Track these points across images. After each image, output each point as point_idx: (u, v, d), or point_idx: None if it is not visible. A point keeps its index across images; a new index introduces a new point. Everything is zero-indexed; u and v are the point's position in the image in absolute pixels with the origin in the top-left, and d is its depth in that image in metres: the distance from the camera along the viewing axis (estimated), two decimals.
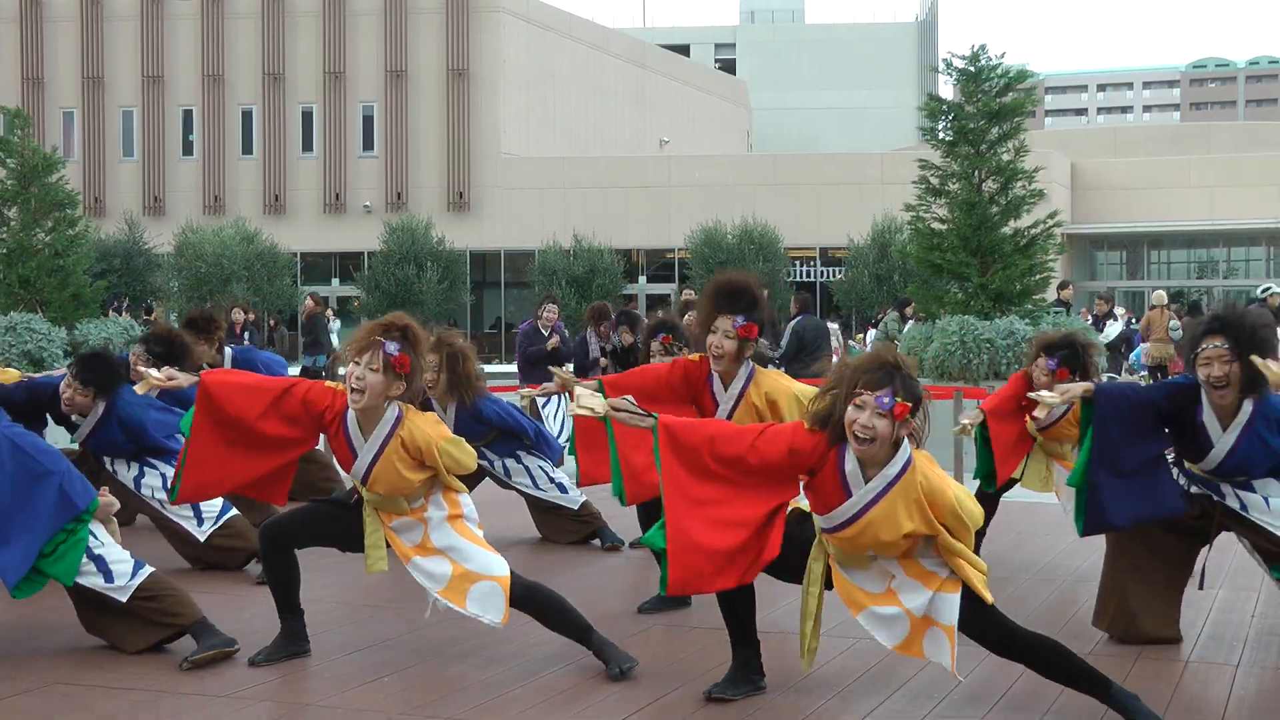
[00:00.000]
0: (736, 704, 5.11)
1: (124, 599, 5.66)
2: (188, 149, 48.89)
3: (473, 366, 8.01)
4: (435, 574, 5.43)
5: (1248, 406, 5.64)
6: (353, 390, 5.32)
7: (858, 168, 43.39)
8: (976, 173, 34.31)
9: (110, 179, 48.15)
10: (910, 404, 4.68)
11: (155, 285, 41.15)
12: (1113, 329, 22.67)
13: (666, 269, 46.51)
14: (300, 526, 5.71)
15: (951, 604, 4.76)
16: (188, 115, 48.72)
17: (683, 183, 44.43)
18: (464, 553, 5.44)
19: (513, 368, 14.91)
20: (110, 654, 5.75)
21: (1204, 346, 5.60)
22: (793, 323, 15.80)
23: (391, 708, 5.07)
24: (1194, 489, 5.95)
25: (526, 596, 5.52)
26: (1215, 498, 5.88)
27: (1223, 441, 5.70)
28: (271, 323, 40.26)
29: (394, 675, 5.48)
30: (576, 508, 8.65)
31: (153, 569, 5.81)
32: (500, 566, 5.45)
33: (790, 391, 6.02)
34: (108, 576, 5.64)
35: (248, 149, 48.78)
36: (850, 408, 4.71)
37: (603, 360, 15.08)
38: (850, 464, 4.79)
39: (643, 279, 46.33)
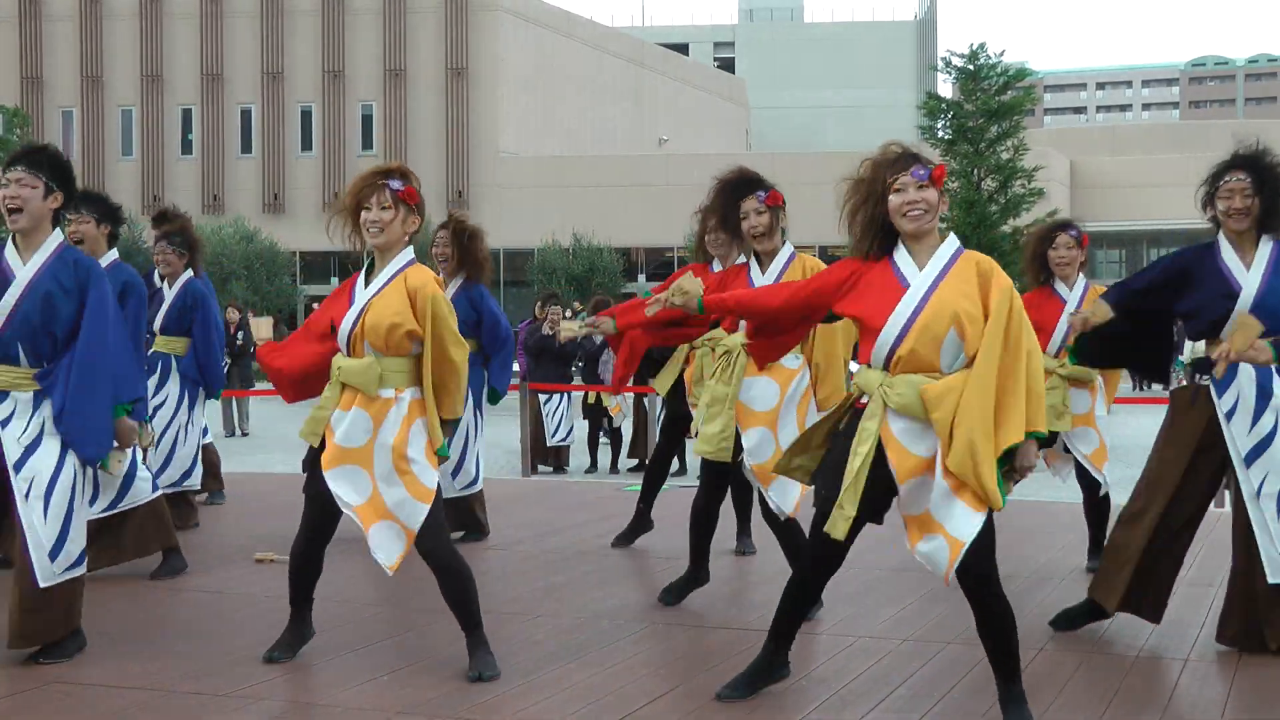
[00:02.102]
0: (735, 704, 5.10)
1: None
2: (187, 148, 48.93)
3: (483, 245, 8.28)
4: (357, 486, 5.33)
5: (1266, 244, 5.68)
6: (373, 232, 5.35)
7: (856, 166, 43.30)
8: (975, 171, 34.32)
9: (110, 178, 48.13)
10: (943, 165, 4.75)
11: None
12: None
13: (665, 267, 46.51)
14: (317, 525, 5.57)
15: (972, 521, 4.58)
16: (187, 114, 48.76)
17: (681, 181, 44.43)
18: (394, 488, 5.30)
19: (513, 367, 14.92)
20: (111, 653, 5.75)
21: (1226, 179, 5.73)
22: None
23: (391, 707, 5.07)
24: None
25: (441, 563, 5.42)
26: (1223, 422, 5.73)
27: (1249, 280, 5.66)
28: (271, 321, 40.28)
29: (394, 675, 5.48)
30: (457, 495, 8.48)
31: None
32: (416, 520, 5.29)
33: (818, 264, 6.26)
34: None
35: (247, 148, 48.82)
36: (891, 196, 4.71)
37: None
38: (902, 256, 4.75)
39: (642, 277, 46.35)
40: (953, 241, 4.79)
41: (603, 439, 15.57)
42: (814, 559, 4.95)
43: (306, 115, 48.59)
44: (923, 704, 5.07)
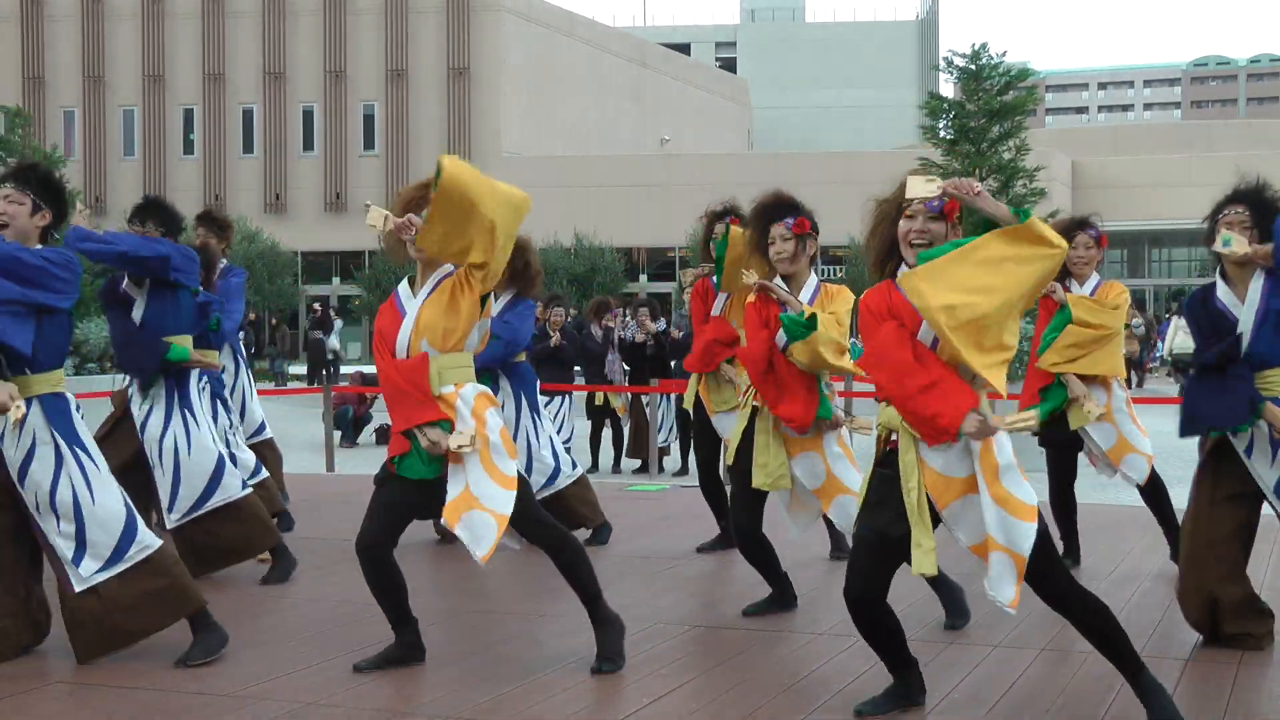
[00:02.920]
0: (735, 704, 5.11)
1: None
2: (188, 148, 48.95)
3: (535, 257, 8.37)
4: (451, 481, 5.33)
5: (1259, 278, 5.73)
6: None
7: (858, 166, 43.36)
8: (977, 171, 34.27)
9: (111, 178, 48.17)
10: (958, 203, 4.68)
11: None
12: None
13: (667, 267, 46.53)
14: (383, 526, 5.49)
15: (1025, 532, 4.55)
16: (188, 114, 48.78)
17: (683, 181, 44.45)
18: (478, 478, 5.31)
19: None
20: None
21: (1225, 212, 5.80)
22: None
23: (391, 707, 5.07)
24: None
25: (550, 542, 5.47)
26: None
27: (1244, 314, 5.72)
28: (273, 322, 40.29)
29: (394, 675, 5.48)
30: (570, 483, 8.56)
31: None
32: (505, 505, 5.30)
33: (852, 300, 6.26)
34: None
35: (249, 148, 48.83)
36: (901, 221, 4.71)
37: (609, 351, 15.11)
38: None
39: (644, 277, 46.36)
40: None
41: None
42: (853, 598, 4.83)
43: (308, 115, 48.61)
44: (926, 704, 5.07)
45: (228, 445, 8.13)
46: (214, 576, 7.46)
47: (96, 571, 5.55)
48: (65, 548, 5.52)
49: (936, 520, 4.72)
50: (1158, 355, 30.97)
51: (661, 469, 14.34)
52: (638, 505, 9.92)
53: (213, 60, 48.47)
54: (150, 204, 7.76)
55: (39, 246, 5.62)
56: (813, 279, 6.42)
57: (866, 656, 5.73)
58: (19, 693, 5.24)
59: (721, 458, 7.93)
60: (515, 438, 8.24)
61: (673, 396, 14.36)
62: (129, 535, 5.63)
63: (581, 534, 8.47)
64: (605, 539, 8.70)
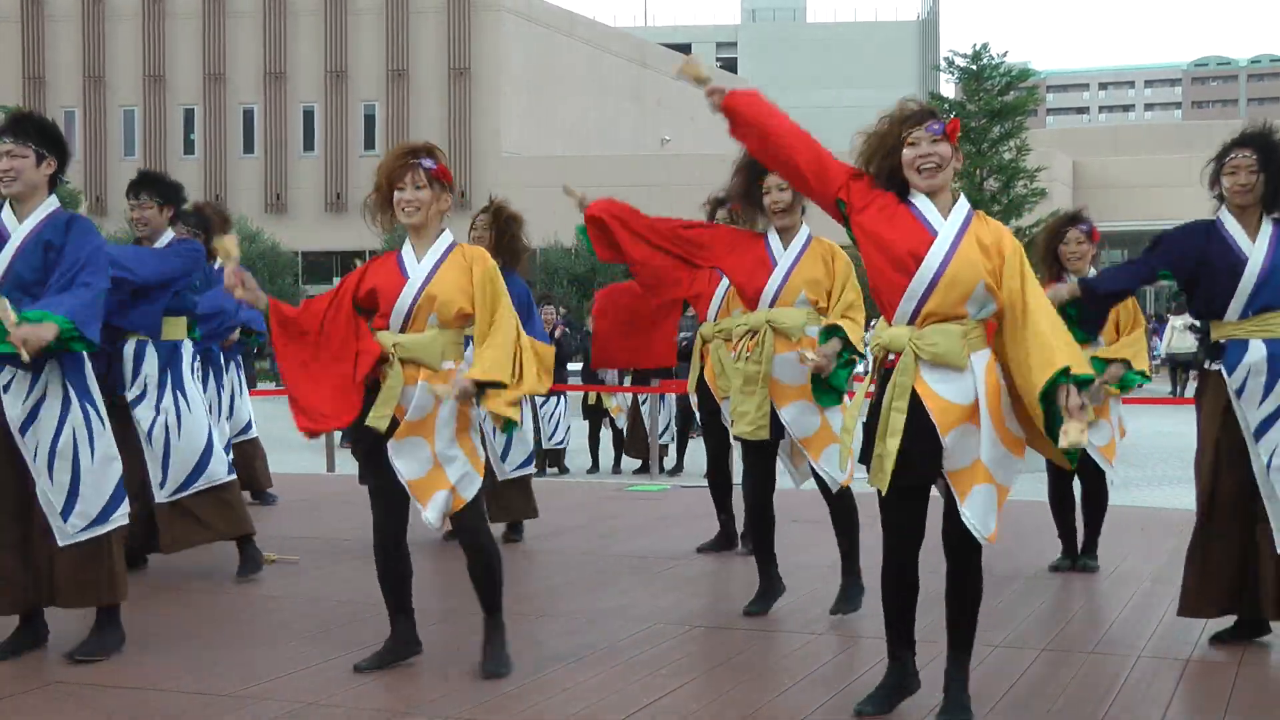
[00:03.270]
0: (735, 704, 5.10)
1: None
2: (189, 148, 48.95)
3: (521, 232, 8.41)
4: (417, 459, 5.32)
5: (1268, 223, 5.72)
6: (409, 211, 5.36)
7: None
8: (978, 172, 34.31)
9: (111, 178, 48.14)
10: (957, 122, 4.72)
11: None
12: None
13: None
14: (390, 515, 5.49)
15: (1015, 467, 4.63)
16: (189, 114, 48.77)
17: (684, 181, 44.39)
18: (454, 458, 5.32)
19: None
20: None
21: (1232, 155, 5.77)
22: None
23: (394, 708, 5.07)
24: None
25: (474, 542, 5.43)
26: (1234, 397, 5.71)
27: (1255, 251, 5.67)
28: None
29: (396, 675, 5.48)
30: (532, 474, 8.62)
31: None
32: (470, 490, 5.33)
33: (846, 255, 6.23)
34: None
35: (249, 148, 48.83)
36: (905, 150, 4.69)
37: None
38: (923, 203, 4.71)
39: None
40: (965, 201, 4.78)
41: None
42: (891, 537, 4.80)
43: (309, 115, 48.60)
44: (921, 705, 5.07)
45: None
46: (212, 579, 7.47)
47: (81, 530, 5.57)
48: (56, 500, 5.52)
49: (938, 447, 4.66)
50: (1155, 354, 31.01)
51: (662, 469, 14.34)
52: (637, 505, 9.92)
53: (213, 60, 48.47)
54: (145, 178, 7.71)
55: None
56: (804, 230, 6.45)
57: (868, 656, 5.73)
58: (19, 693, 5.23)
59: (731, 445, 7.93)
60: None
61: (672, 397, 14.37)
62: (116, 500, 5.67)
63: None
64: (519, 537, 8.77)
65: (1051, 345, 4.53)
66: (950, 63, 35.11)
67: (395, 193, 5.38)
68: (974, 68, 34.51)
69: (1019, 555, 7.95)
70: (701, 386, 7.81)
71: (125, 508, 5.73)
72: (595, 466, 15.24)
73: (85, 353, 5.60)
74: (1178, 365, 28.52)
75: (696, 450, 13.85)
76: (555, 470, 14.69)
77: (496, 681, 5.35)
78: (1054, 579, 7.49)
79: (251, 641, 5.97)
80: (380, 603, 6.28)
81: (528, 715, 4.98)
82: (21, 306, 5.38)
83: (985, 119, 34.00)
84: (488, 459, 8.32)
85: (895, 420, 4.66)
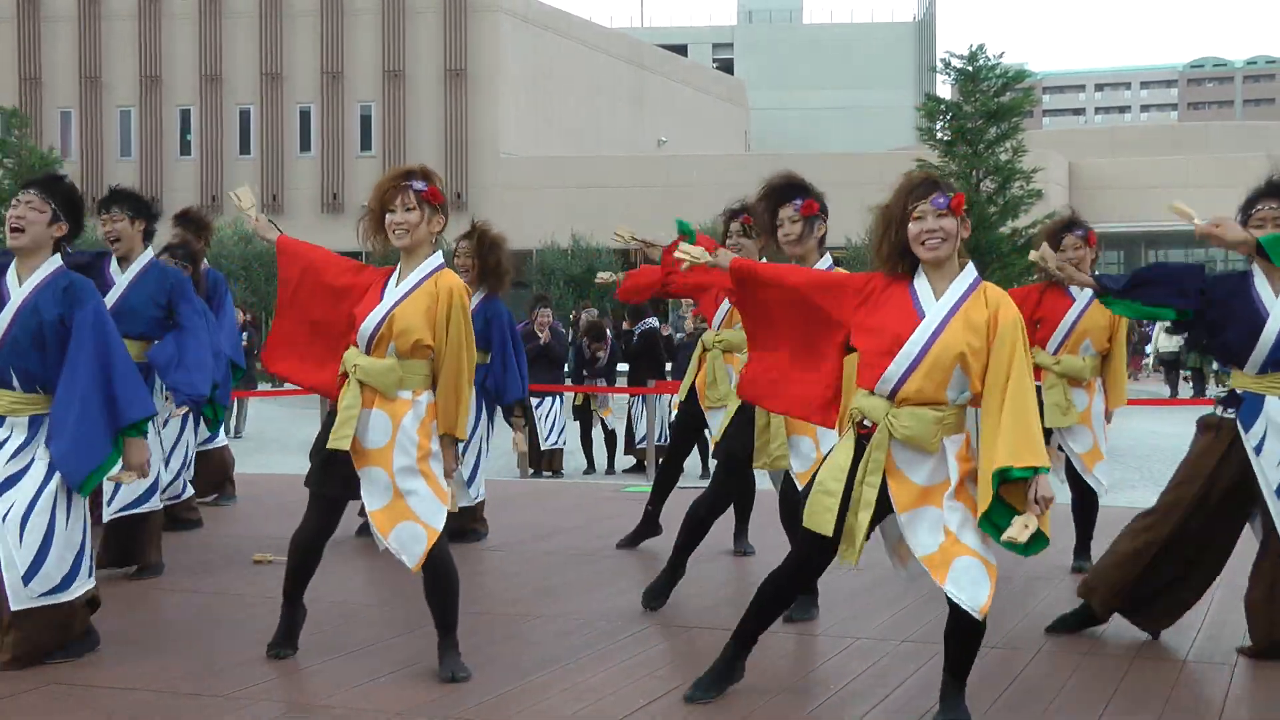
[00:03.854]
0: (735, 704, 5.11)
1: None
2: (185, 149, 48.91)
3: (503, 255, 8.40)
4: (377, 489, 5.33)
5: None
6: (399, 234, 5.39)
7: (856, 168, 43.33)
8: (974, 172, 34.28)
9: (108, 179, 48.00)
10: (963, 195, 4.75)
11: None
12: None
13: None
14: (320, 522, 5.59)
15: (992, 545, 4.66)
16: (185, 115, 48.74)
17: (681, 182, 44.46)
18: (415, 489, 5.32)
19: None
20: (110, 655, 5.75)
21: (1259, 207, 5.73)
22: None
23: (390, 709, 5.07)
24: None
25: (436, 565, 5.41)
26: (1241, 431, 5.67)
27: (1276, 307, 5.56)
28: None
29: (393, 676, 5.49)
30: (469, 504, 8.55)
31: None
32: (438, 520, 5.32)
33: None
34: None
35: (245, 149, 48.80)
36: (911, 224, 4.72)
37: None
38: (922, 283, 4.76)
39: None
40: (971, 271, 4.80)
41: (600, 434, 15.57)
42: (804, 565, 5.00)
43: (305, 116, 48.58)
44: (920, 705, 5.08)
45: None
46: (208, 581, 7.48)
47: (40, 595, 5.52)
48: (20, 563, 5.47)
49: (883, 519, 4.78)
50: (1148, 353, 31.04)
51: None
52: (633, 507, 9.91)
53: (210, 61, 48.44)
54: (115, 193, 7.76)
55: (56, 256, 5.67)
56: (826, 259, 6.41)
57: (864, 657, 5.74)
58: (19, 693, 5.24)
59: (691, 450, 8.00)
60: (466, 448, 8.26)
61: (670, 398, 14.38)
62: (76, 568, 5.62)
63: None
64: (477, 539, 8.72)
65: (1024, 434, 4.55)
66: (946, 64, 35.10)
67: (387, 214, 5.42)
68: (970, 69, 34.48)
69: (1013, 557, 7.90)
70: (690, 391, 7.84)
71: (85, 582, 5.66)
72: (591, 467, 15.25)
73: None
74: (1164, 365, 28.68)
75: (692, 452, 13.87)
76: (550, 473, 14.70)
77: (493, 683, 5.36)
78: (1046, 581, 7.49)
79: (248, 642, 5.97)
80: (377, 603, 6.31)
81: (526, 716, 4.99)
82: (20, 373, 5.49)
83: (981, 120, 33.98)
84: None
85: (868, 494, 4.73)
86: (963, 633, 4.75)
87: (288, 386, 23.33)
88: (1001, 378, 4.61)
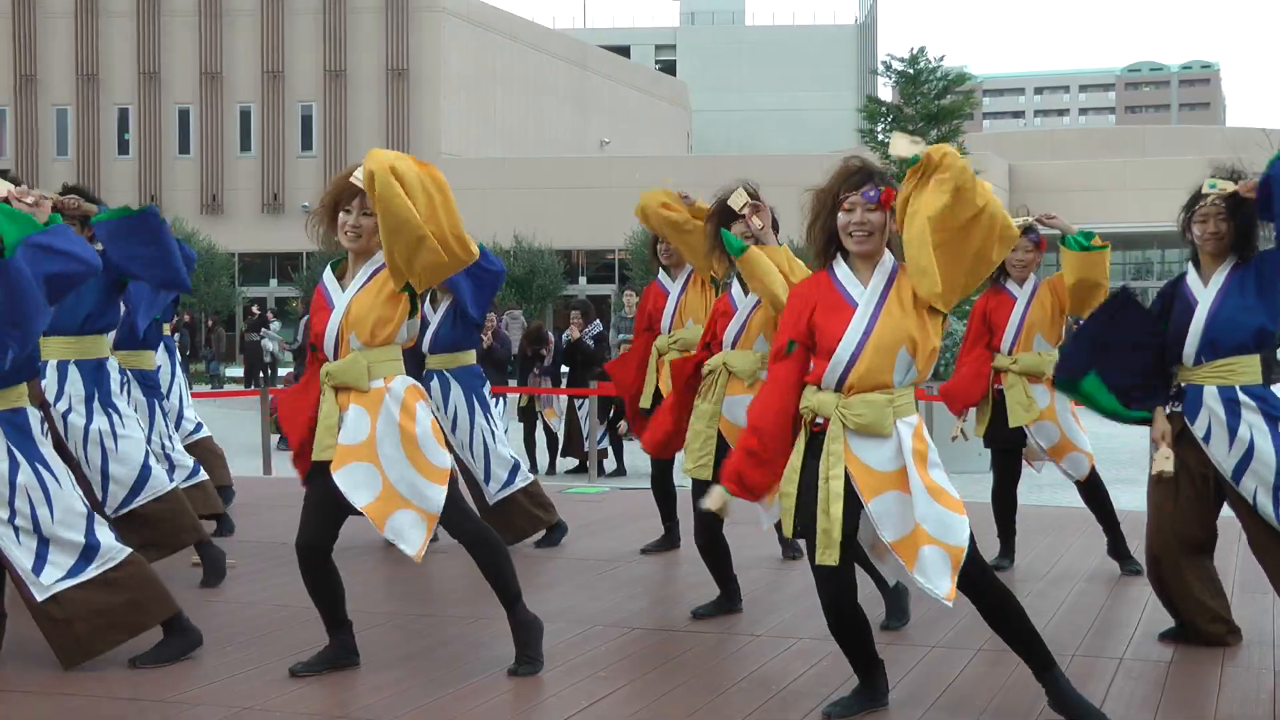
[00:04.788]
0: (676, 704, 5.11)
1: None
2: (123, 148, 48.46)
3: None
4: (367, 483, 5.23)
5: (1228, 264, 5.77)
6: (350, 237, 5.33)
7: (797, 169, 43.28)
8: None
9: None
10: (894, 190, 4.73)
11: None
12: None
13: (607, 270, 46.52)
14: (319, 526, 5.44)
15: (961, 524, 4.63)
16: (123, 114, 48.29)
17: (623, 184, 44.42)
18: (403, 476, 5.25)
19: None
20: (44, 659, 5.67)
21: (1202, 203, 5.80)
22: None
23: (328, 711, 5.04)
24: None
25: (474, 538, 5.41)
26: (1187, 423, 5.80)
27: (1204, 296, 5.74)
28: (209, 323, 39.96)
29: (332, 679, 5.44)
30: (527, 484, 8.42)
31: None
32: (435, 503, 5.26)
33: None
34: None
35: (184, 148, 48.43)
36: (840, 214, 4.74)
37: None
38: (843, 272, 4.79)
39: (583, 279, 46.32)
40: (890, 259, 4.82)
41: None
42: (828, 596, 4.86)
43: (245, 116, 48.26)
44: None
45: (164, 450, 8.05)
46: None
47: (60, 580, 5.46)
48: (25, 559, 5.43)
49: (858, 512, 4.73)
50: None
51: (602, 471, 14.33)
52: (576, 508, 9.90)
53: (148, 60, 48.02)
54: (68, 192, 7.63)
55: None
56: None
57: (806, 657, 5.75)
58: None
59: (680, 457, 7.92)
60: (472, 439, 8.21)
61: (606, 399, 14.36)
62: (92, 547, 5.54)
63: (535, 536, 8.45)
64: (558, 540, 8.62)
65: None
66: (888, 66, 35.29)
67: (340, 213, 5.36)
68: (911, 71, 34.69)
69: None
70: (657, 396, 7.81)
71: (108, 550, 5.56)
72: (533, 468, 15.22)
73: (28, 414, 5.51)
74: None
75: (635, 452, 13.87)
76: None
77: (435, 685, 5.33)
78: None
79: (200, 647, 5.91)
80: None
81: (468, 718, 4.96)
82: None
83: (922, 122, 34.17)
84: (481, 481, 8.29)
85: (835, 487, 4.71)
86: (1000, 613, 4.76)
87: (226, 388, 23.17)
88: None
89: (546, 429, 15.25)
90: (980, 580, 4.74)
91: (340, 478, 5.23)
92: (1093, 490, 7.70)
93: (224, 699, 5.20)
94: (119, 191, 45.82)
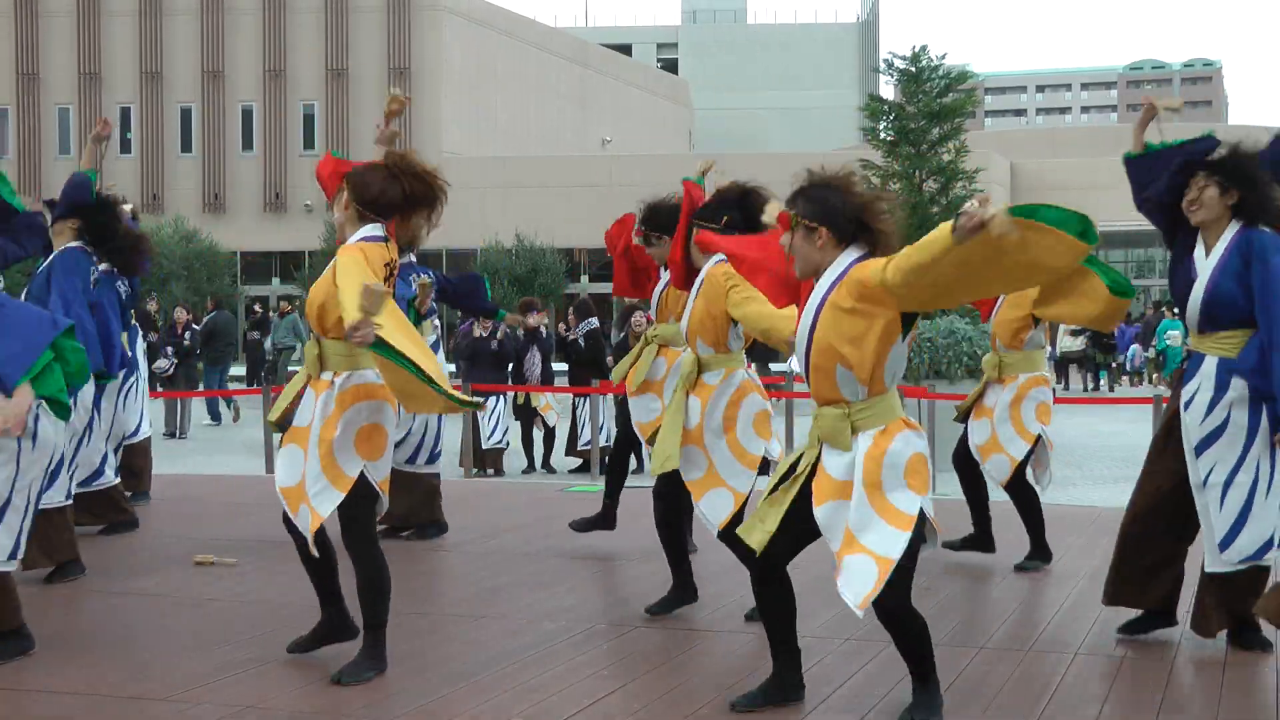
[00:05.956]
0: (677, 704, 5.11)
1: None
2: (125, 146, 48.44)
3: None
4: (293, 466, 5.38)
5: (1230, 230, 5.74)
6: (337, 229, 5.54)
7: (799, 167, 43.24)
8: (917, 173, 34.47)
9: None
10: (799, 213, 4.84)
11: None
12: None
13: (609, 268, 46.33)
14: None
15: (899, 540, 4.58)
16: (125, 113, 48.27)
17: (625, 182, 44.40)
18: (310, 470, 5.31)
19: (451, 367, 14.90)
20: (48, 657, 5.68)
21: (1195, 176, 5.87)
22: None
23: (330, 709, 5.04)
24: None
25: (358, 551, 5.45)
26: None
27: (1205, 265, 5.74)
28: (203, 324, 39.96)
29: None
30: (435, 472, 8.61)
31: None
32: (327, 506, 5.30)
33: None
34: None
35: (187, 147, 48.41)
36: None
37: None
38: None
39: (585, 278, 46.30)
40: (843, 261, 4.76)
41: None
42: (755, 579, 5.03)
43: (247, 114, 48.24)
44: (863, 704, 5.10)
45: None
46: (148, 582, 7.40)
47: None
48: None
49: (806, 513, 4.76)
50: (1130, 358, 31.29)
51: (602, 470, 14.32)
52: (577, 506, 9.89)
53: (149, 59, 48.02)
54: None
55: None
56: (706, 267, 6.39)
57: (806, 657, 5.73)
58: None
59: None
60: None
61: (613, 397, 14.36)
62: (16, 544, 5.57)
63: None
64: (432, 535, 8.69)
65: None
66: (890, 64, 35.27)
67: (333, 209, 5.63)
68: (913, 70, 34.66)
69: (958, 555, 7.95)
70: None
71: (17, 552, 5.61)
72: (531, 466, 15.21)
73: None
74: (1069, 364, 29.14)
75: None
76: (492, 471, 14.65)
77: (435, 684, 5.33)
78: (991, 578, 7.53)
79: (188, 645, 5.92)
80: (316, 606, 6.24)
81: (469, 717, 4.96)
82: None
83: (924, 121, 34.15)
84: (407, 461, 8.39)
85: (795, 481, 4.84)
86: (909, 642, 4.77)
87: (231, 387, 23.17)
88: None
89: (545, 425, 15.24)
90: (900, 613, 4.73)
91: (280, 454, 5.50)
92: (1019, 494, 7.76)
93: (224, 698, 5.20)
94: (121, 190, 45.70)
